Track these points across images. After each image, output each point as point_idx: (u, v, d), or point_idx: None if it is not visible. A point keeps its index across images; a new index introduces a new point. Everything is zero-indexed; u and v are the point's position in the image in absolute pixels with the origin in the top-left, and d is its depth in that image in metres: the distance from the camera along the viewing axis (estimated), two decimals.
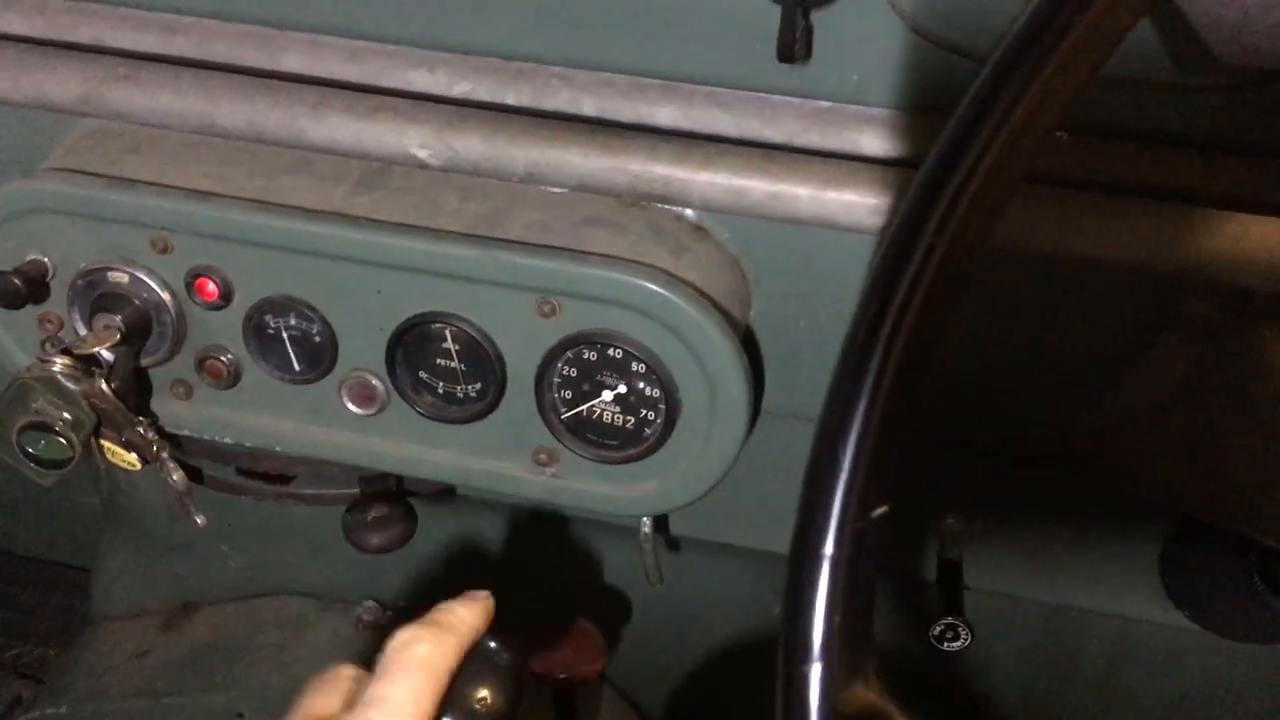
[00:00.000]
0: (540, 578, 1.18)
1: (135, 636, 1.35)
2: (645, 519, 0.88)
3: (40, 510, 1.67)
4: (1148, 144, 0.70)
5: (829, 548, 0.32)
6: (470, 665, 0.74)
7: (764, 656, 1.18)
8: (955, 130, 0.35)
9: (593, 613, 1.09)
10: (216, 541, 1.31)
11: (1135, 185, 0.71)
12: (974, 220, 0.34)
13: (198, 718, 1.23)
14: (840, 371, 0.34)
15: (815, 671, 0.32)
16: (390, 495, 0.89)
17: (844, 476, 0.33)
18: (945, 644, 0.90)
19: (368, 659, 1.29)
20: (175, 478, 0.89)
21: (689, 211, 0.78)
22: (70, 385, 0.81)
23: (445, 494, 1.03)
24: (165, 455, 0.88)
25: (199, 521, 0.93)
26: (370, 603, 1.28)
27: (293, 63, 0.80)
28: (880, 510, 0.34)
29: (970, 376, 0.81)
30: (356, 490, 0.91)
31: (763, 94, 0.76)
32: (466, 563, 1.19)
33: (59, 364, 0.81)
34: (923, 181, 0.35)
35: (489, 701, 0.72)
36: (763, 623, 1.19)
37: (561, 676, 0.96)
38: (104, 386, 0.81)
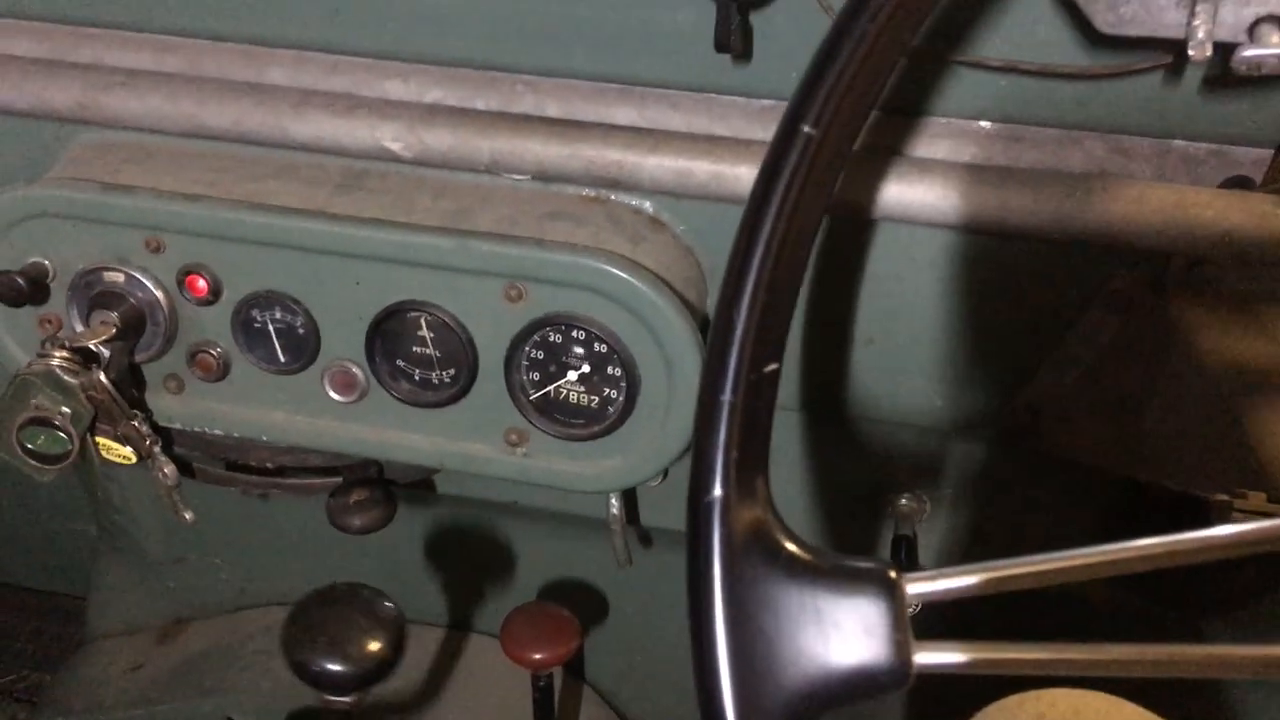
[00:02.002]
0: (516, 573, 1.22)
1: (129, 652, 1.39)
2: (613, 499, 0.93)
3: (36, 540, 1.70)
4: (1054, 128, 0.77)
5: (727, 395, 0.38)
6: (354, 618, 0.80)
7: None
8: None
9: (568, 608, 1.14)
10: (208, 555, 1.35)
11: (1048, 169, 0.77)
12: (843, 126, 0.40)
13: None
14: (734, 250, 0.40)
15: (715, 500, 0.37)
16: (370, 481, 0.94)
17: (738, 335, 0.38)
18: (910, 628, 0.94)
19: None
20: (166, 471, 0.94)
21: (647, 204, 0.84)
22: (69, 379, 0.86)
23: (424, 488, 1.08)
24: (158, 450, 0.93)
25: (187, 518, 0.98)
26: None
27: (277, 76, 0.87)
28: (772, 366, 0.39)
29: (917, 356, 0.87)
30: (339, 479, 0.96)
31: (711, 94, 0.83)
32: (447, 563, 1.24)
33: (57, 358, 0.86)
34: (794, 106, 0.41)
35: (375, 649, 0.78)
36: None
37: (536, 657, 1.00)
38: (102, 378, 0.86)
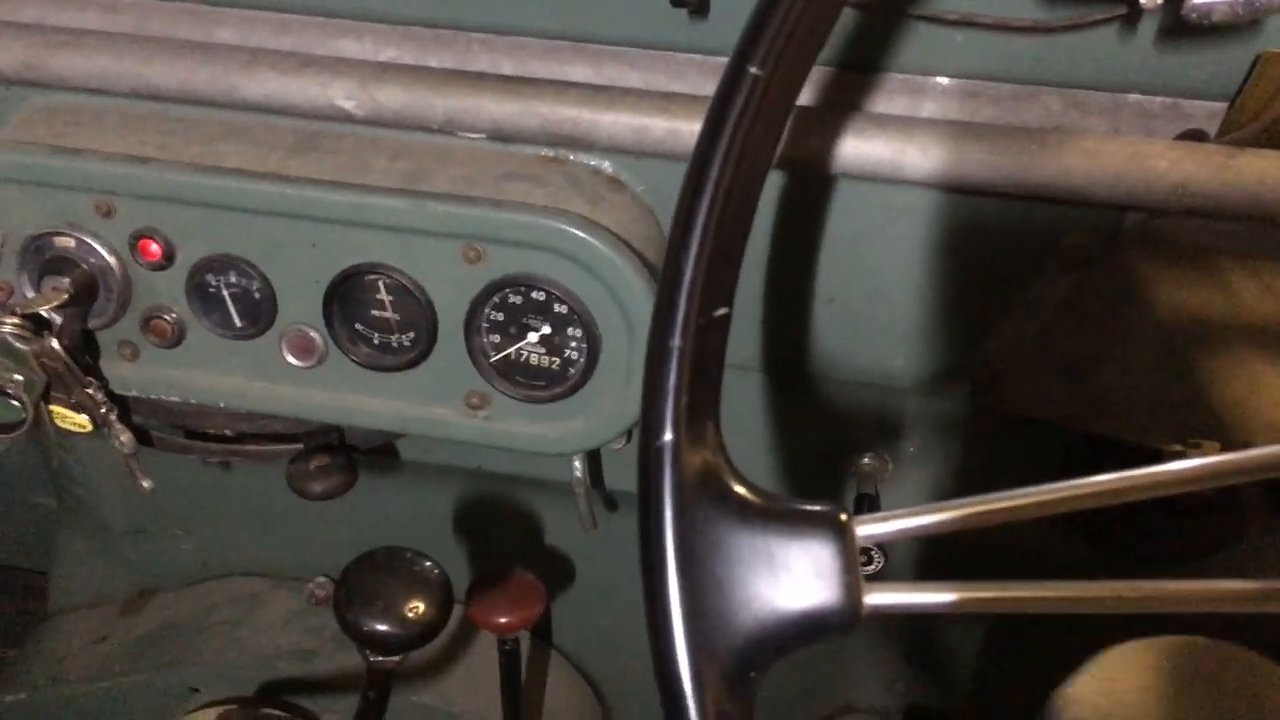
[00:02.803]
0: (482, 539, 1.22)
1: (92, 625, 1.38)
2: (577, 462, 0.93)
3: None
4: (1011, 84, 0.77)
5: (676, 340, 0.38)
6: (404, 581, 0.80)
7: None
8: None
9: (534, 573, 1.14)
10: (169, 527, 1.34)
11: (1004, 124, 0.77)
12: (790, 68, 0.40)
13: (155, 695, 1.26)
14: (681, 195, 0.40)
15: (666, 444, 0.37)
16: (331, 447, 0.94)
17: (686, 280, 0.38)
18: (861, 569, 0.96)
19: (319, 632, 1.32)
20: (124, 439, 0.92)
21: (606, 164, 0.84)
22: (20, 345, 0.85)
23: (387, 455, 1.08)
24: (113, 418, 0.92)
25: (145, 486, 0.97)
26: (322, 578, 1.31)
27: (226, 35, 0.85)
28: (721, 311, 0.39)
29: (877, 314, 0.87)
30: (299, 445, 0.95)
31: (668, 52, 0.82)
32: (411, 531, 1.23)
33: (8, 325, 0.85)
34: (740, 48, 0.40)
35: (420, 611, 0.78)
36: None
37: (502, 621, 1.00)
38: (55, 345, 0.85)
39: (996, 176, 0.72)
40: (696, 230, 0.38)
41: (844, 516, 0.38)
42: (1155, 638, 0.72)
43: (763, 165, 0.40)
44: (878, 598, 0.37)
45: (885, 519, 0.38)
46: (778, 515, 0.38)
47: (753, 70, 0.39)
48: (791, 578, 0.36)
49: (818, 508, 0.38)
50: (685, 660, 0.36)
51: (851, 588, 0.37)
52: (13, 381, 0.86)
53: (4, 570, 1.74)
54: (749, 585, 0.36)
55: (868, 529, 0.37)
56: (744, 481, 0.39)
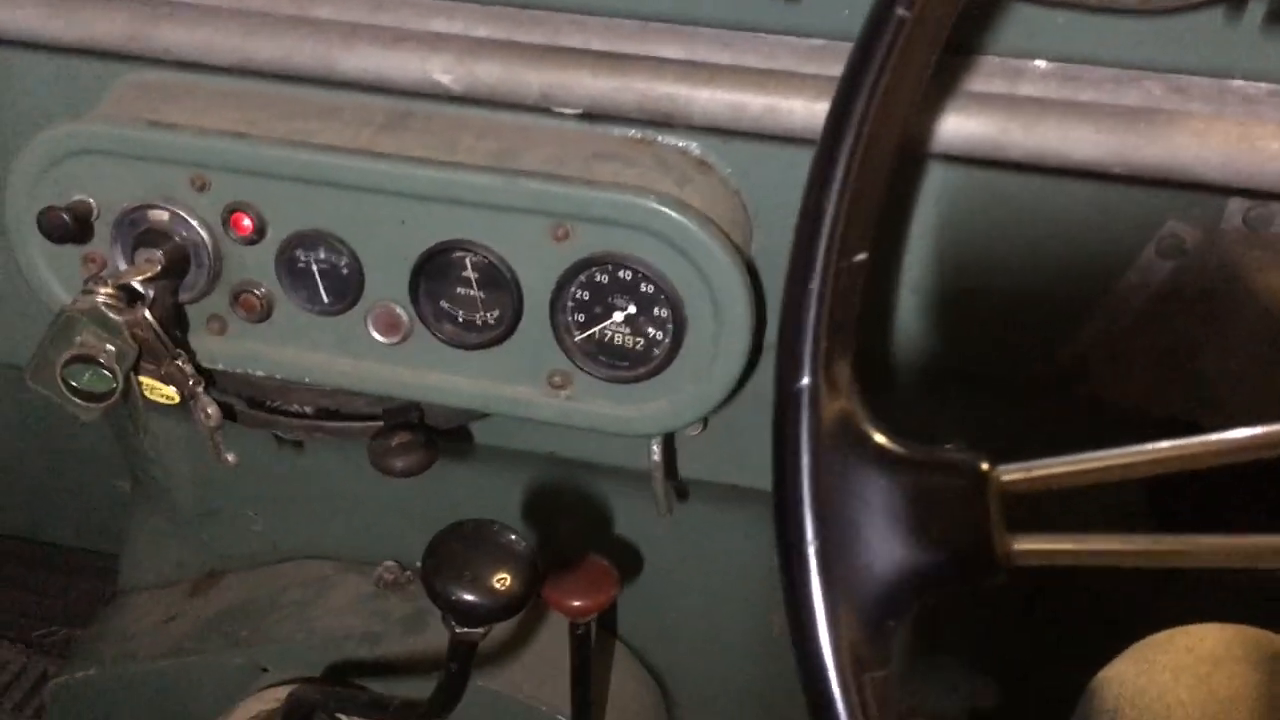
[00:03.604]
0: (549, 526, 1.22)
1: (162, 604, 1.40)
2: (654, 445, 0.93)
3: (66, 496, 1.71)
4: (1111, 67, 0.76)
5: (815, 283, 0.37)
6: (491, 552, 0.80)
7: (765, 610, 1.22)
8: None
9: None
10: (241, 508, 1.35)
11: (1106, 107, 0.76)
12: (937, 7, 0.39)
13: (223, 674, 1.27)
14: (824, 133, 0.39)
15: (804, 387, 0.37)
16: (412, 425, 0.94)
17: (828, 221, 0.37)
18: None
19: (387, 616, 1.33)
20: (209, 411, 0.93)
21: (694, 145, 0.84)
22: (114, 316, 0.86)
23: (458, 438, 1.08)
24: (200, 390, 0.93)
25: (230, 459, 0.98)
26: (390, 562, 1.32)
27: (322, 12, 0.86)
28: (860, 256, 0.38)
29: (959, 303, 0.86)
30: (380, 423, 0.96)
31: (760, 33, 0.82)
32: (479, 515, 1.23)
33: (102, 294, 0.86)
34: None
35: (507, 583, 0.78)
36: (768, 576, 1.23)
37: (577, 604, 1.00)
38: (147, 315, 0.86)
39: (1104, 155, 0.71)
40: (839, 170, 0.38)
41: (985, 465, 0.37)
42: (1194, 625, 0.72)
43: (905, 106, 0.40)
44: (1025, 545, 0.36)
45: (1028, 469, 0.37)
46: (917, 463, 0.37)
47: (899, 11, 0.38)
48: (930, 525, 0.36)
49: (958, 455, 0.37)
50: (821, 605, 0.35)
51: (996, 536, 0.36)
52: (105, 351, 0.87)
53: (77, 552, 1.77)
54: (887, 532, 0.36)
55: (1010, 476, 0.37)
56: (881, 428, 0.38)
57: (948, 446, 0.38)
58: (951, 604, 0.39)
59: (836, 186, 0.38)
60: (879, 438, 0.38)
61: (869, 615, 0.35)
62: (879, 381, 0.96)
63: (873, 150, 0.38)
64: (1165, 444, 0.36)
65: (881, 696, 0.35)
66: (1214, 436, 0.37)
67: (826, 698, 0.35)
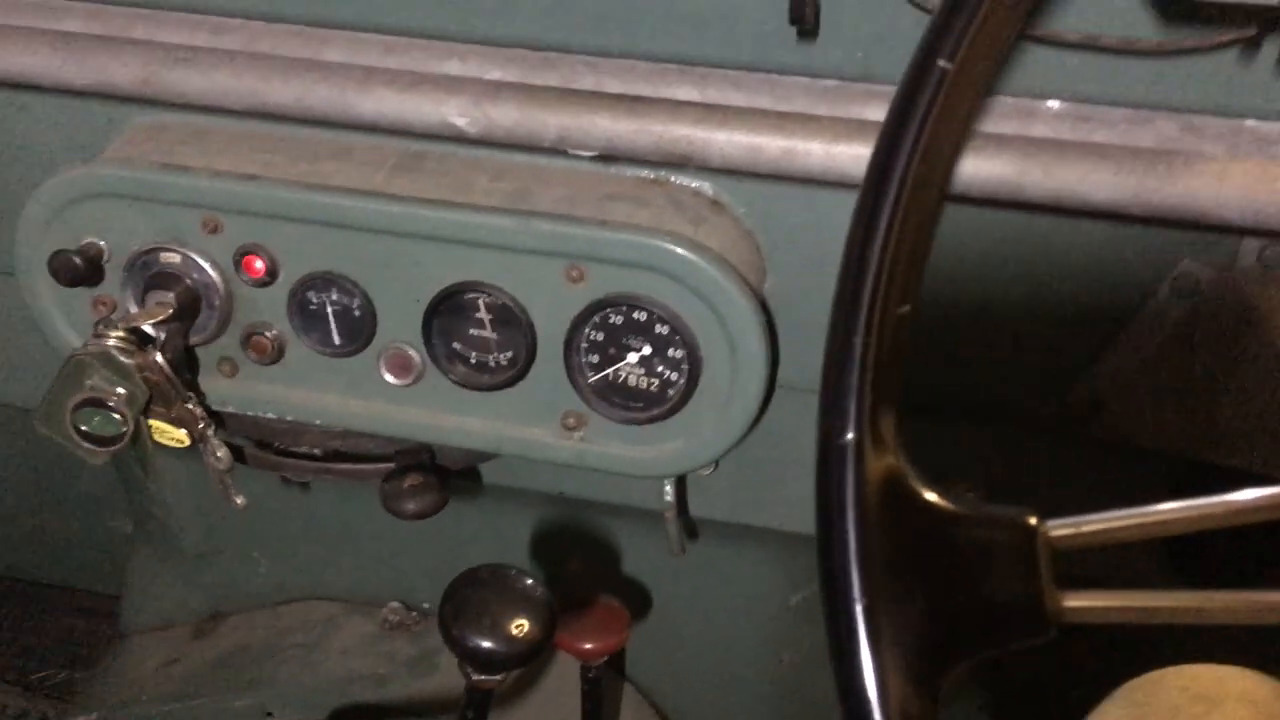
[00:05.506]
0: (558, 567, 1.21)
1: (165, 647, 1.38)
2: (668, 485, 0.92)
3: (66, 537, 1.70)
4: (1124, 107, 0.76)
5: (859, 336, 0.37)
6: (509, 599, 0.79)
7: (776, 650, 1.20)
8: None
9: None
10: (245, 549, 1.34)
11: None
12: (977, 61, 0.39)
13: (228, 718, 1.26)
14: (865, 187, 0.39)
15: (849, 443, 0.36)
16: (424, 466, 0.93)
17: (871, 274, 0.37)
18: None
19: (393, 658, 1.31)
20: (219, 454, 0.93)
21: (707, 186, 0.84)
22: (124, 359, 0.86)
23: (467, 479, 1.07)
24: (211, 433, 0.92)
25: (239, 502, 0.97)
26: (396, 604, 1.31)
27: (334, 56, 0.86)
28: (904, 308, 0.38)
29: (971, 342, 0.86)
30: (391, 465, 0.95)
31: (774, 74, 0.82)
32: (487, 557, 1.22)
33: (113, 338, 0.86)
34: (928, 40, 0.40)
35: (525, 630, 0.77)
36: (779, 616, 1.22)
37: (588, 647, 0.99)
38: (158, 359, 0.86)
39: (1123, 196, 0.71)
40: (882, 222, 0.38)
41: (1033, 520, 0.37)
42: (1188, 665, 0.71)
43: (948, 158, 0.40)
44: (1076, 602, 0.36)
45: (1077, 524, 0.37)
46: (964, 519, 0.37)
47: (941, 63, 0.38)
48: (980, 583, 0.35)
49: (1006, 512, 0.37)
50: (870, 665, 0.34)
51: (1046, 593, 0.36)
52: (116, 395, 0.86)
53: (77, 593, 1.75)
54: (935, 590, 0.35)
55: (1059, 533, 0.36)
56: (927, 484, 0.38)
57: (993, 504, 0.38)
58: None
59: (879, 240, 0.38)
60: (926, 494, 0.38)
61: (917, 673, 0.35)
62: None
63: (917, 201, 0.38)
64: (1214, 499, 0.36)
65: None
66: (1266, 491, 0.36)
67: None
